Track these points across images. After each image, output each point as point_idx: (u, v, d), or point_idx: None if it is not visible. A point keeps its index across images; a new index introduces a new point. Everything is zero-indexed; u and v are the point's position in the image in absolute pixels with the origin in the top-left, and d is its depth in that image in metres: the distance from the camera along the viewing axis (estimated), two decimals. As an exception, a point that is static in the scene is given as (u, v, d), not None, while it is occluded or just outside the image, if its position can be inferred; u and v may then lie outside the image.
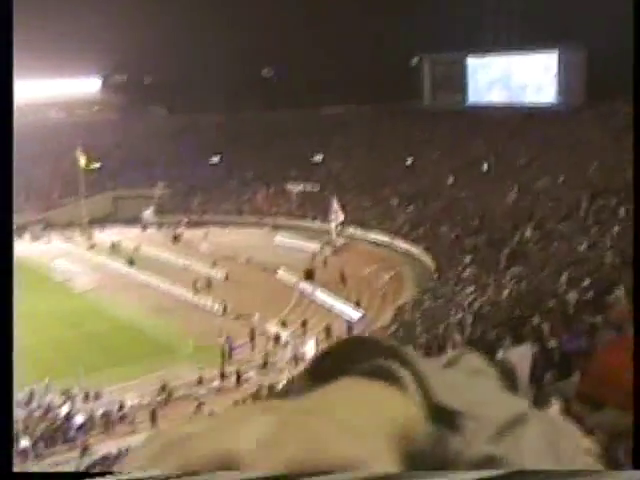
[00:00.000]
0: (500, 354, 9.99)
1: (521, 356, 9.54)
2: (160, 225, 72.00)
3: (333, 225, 60.98)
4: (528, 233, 45.59)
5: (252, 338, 42.94)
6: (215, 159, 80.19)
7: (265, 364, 40.53)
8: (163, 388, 37.15)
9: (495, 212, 52.69)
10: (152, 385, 37.28)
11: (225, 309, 47.90)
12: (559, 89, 67.23)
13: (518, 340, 10.27)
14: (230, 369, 39.75)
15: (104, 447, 32.44)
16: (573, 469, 0.69)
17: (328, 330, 42.97)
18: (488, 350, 10.23)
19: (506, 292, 35.22)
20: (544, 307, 19.70)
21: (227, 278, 54.18)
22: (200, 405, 35.02)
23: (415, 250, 55.12)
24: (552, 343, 10.47)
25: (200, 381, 38.18)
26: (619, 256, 28.84)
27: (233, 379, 39.03)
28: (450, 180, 63.93)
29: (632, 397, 2.62)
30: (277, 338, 43.22)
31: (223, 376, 38.96)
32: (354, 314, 46.57)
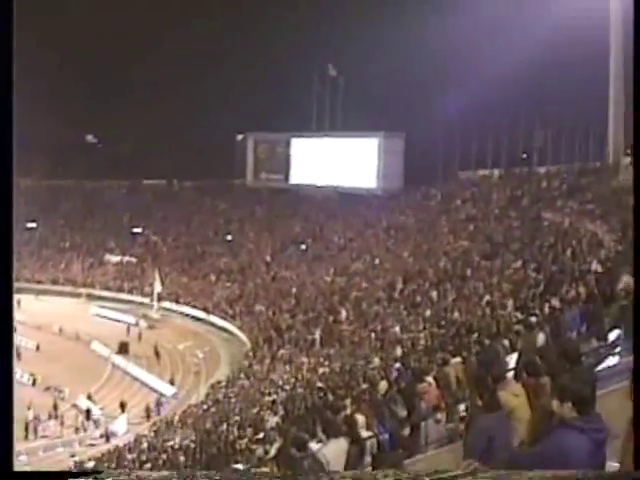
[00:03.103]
0: (314, 445, 10.01)
1: (336, 451, 9.59)
2: (-34, 292, 68.88)
3: (155, 294, 60.29)
4: (343, 314, 46.26)
5: (61, 412, 41.49)
6: (31, 225, 77.79)
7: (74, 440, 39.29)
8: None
9: (311, 292, 53.29)
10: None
11: (35, 381, 46.11)
12: (378, 174, 69.04)
13: (331, 427, 10.32)
14: (36, 444, 38.25)
15: None
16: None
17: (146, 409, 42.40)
18: (301, 440, 10.21)
19: (320, 372, 35.53)
20: (357, 392, 19.98)
21: (38, 348, 52.29)
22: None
23: (231, 327, 54.96)
24: (365, 433, 10.61)
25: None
26: (432, 340, 29.74)
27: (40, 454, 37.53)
28: (268, 258, 64.46)
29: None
30: (88, 412, 41.95)
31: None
32: (167, 390, 45.86)
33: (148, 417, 42.06)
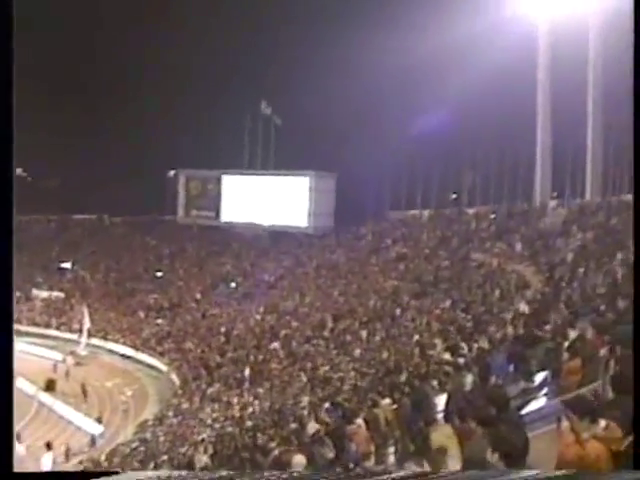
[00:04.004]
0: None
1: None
2: None
3: (85, 330, 59.35)
4: (273, 352, 46.15)
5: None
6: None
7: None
8: None
9: (241, 329, 53.05)
10: None
11: (-46, 420, 44.84)
12: (309, 212, 69.08)
13: (260, 470, 10.28)
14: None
15: None
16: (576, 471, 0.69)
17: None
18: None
19: (249, 411, 35.32)
20: (286, 432, 19.87)
21: (-42, 387, 50.99)
22: None
23: (160, 365, 54.34)
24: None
25: None
26: (361, 380, 29.74)
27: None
28: (198, 295, 64.09)
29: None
30: (11, 452, 40.83)
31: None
32: (95, 429, 44.99)
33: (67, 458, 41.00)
